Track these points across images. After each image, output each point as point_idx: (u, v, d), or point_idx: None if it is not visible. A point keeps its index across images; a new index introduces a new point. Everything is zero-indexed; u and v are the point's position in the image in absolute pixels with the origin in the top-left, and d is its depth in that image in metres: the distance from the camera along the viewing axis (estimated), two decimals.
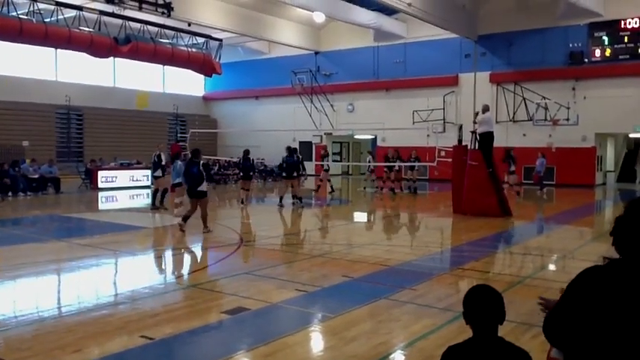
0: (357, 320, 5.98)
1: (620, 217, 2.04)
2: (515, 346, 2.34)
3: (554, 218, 16.45)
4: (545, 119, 26.40)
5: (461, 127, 16.68)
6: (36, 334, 5.58)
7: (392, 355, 5.10)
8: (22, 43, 20.64)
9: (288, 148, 18.34)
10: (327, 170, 23.10)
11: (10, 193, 20.29)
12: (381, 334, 5.56)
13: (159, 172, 16.69)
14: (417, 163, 22.19)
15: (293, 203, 17.70)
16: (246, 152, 18.61)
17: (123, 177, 24.17)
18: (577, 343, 2.00)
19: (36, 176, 21.81)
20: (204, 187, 11.95)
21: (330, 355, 5.15)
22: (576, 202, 20.52)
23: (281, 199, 17.77)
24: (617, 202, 22.56)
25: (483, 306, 2.36)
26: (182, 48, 24.79)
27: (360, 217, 17.74)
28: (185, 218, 12.02)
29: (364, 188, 24.67)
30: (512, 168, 21.21)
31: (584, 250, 10.68)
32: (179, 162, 15.53)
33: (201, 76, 33.51)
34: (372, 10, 27.61)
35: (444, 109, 29.27)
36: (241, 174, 18.94)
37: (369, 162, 24.79)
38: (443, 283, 7.85)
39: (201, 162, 12.26)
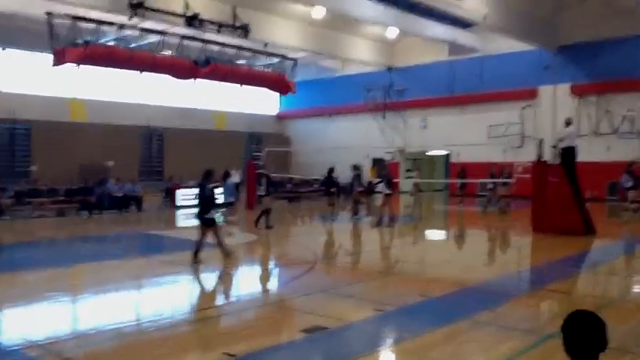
0: (437, 342, 5.88)
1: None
2: None
3: None
4: (632, 132, 25.10)
5: (541, 142, 16.10)
6: (117, 348, 5.81)
7: None
8: (110, 67, 21.82)
9: (381, 163, 18.38)
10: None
11: (95, 211, 21.37)
12: (463, 357, 5.44)
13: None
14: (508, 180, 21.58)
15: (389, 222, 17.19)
16: (330, 170, 18.91)
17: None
18: None
19: (120, 194, 22.89)
20: (212, 214, 10.76)
21: None
22: None
23: (381, 217, 17.11)
24: None
25: (584, 334, 2.27)
26: (258, 68, 25.43)
27: (433, 234, 17.45)
28: (195, 253, 10.41)
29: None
30: (630, 184, 20.15)
31: None
32: (229, 181, 15.90)
33: (276, 95, 34.21)
34: (446, 24, 27.32)
35: (521, 123, 28.43)
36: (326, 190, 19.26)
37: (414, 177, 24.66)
38: (524, 304, 7.59)
39: (212, 185, 11.12)
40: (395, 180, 19.23)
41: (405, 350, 5.82)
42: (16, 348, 5.66)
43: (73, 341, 6.00)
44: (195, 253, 10.31)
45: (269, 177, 17.53)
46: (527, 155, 21.76)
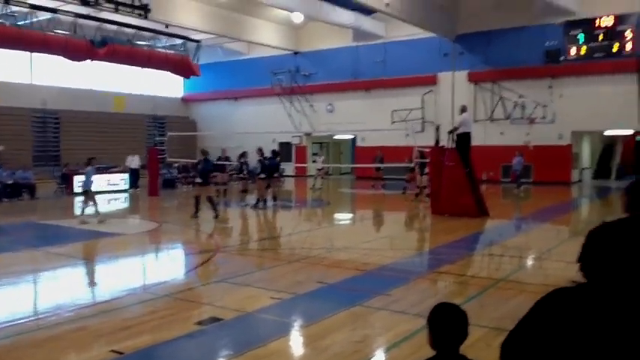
0: (330, 329, 5.97)
1: (587, 245, 2.03)
2: None
3: (531, 217, 16.60)
4: (523, 118, 26.65)
5: (438, 128, 16.72)
6: (7, 348, 5.48)
7: None
8: None
9: (273, 151, 18.49)
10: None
11: None
12: (355, 343, 5.55)
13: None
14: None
15: (274, 205, 17.91)
16: (242, 155, 19.51)
17: (100, 181, 23.85)
18: None
19: (10, 182, 21.47)
20: None
21: None
22: (553, 200, 20.75)
23: (258, 200, 17.87)
24: (594, 199, 22.89)
25: (447, 326, 2.36)
26: (159, 50, 24.63)
27: (339, 218, 17.76)
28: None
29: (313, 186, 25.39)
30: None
31: (560, 249, 10.74)
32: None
33: (181, 78, 33.26)
34: (351, 10, 27.63)
35: (422, 108, 29.40)
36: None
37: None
38: (418, 288, 7.87)
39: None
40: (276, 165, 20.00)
41: (300, 338, 5.87)
42: None
43: None
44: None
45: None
46: (428, 140, 22.51)
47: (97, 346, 5.45)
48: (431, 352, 2.40)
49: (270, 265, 9.59)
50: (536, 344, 1.99)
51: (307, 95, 33.10)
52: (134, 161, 25.27)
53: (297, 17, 29.03)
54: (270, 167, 18.05)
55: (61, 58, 22.73)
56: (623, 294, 1.86)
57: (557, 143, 26.24)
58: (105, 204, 20.94)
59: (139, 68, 30.23)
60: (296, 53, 33.55)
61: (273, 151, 18.66)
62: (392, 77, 30.00)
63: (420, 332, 5.63)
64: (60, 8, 21.23)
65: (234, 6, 28.10)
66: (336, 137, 34.57)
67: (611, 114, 24.56)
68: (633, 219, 3.58)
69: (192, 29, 26.67)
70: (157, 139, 28.23)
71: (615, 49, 24.72)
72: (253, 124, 32.50)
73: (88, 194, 14.72)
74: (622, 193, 2.95)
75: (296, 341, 5.84)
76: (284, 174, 30.68)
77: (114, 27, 22.79)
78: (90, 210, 14.62)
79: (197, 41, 26.04)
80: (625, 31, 24.46)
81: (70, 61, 23.21)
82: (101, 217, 14.42)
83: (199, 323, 6.19)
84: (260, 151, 18.64)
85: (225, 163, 22.61)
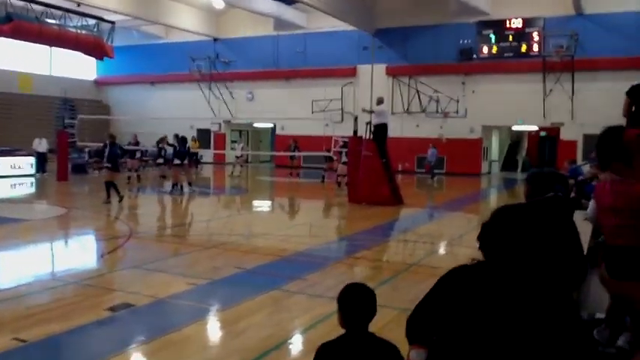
0: (246, 313, 5.95)
1: (486, 224, 2.13)
2: (386, 341, 2.42)
3: (443, 206, 17.23)
4: (437, 112, 27.59)
5: (356, 118, 17.00)
6: None
7: (280, 347, 5.12)
8: None
9: (182, 138, 18.30)
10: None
11: None
12: (270, 326, 5.57)
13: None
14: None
15: (191, 191, 17.69)
16: (160, 140, 19.22)
17: (3, 165, 22.51)
18: (440, 342, 2.08)
19: None
20: None
21: (218, 349, 5.10)
22: (464, 190, 21.64)
23: (174, 186, 17.69)
24: (501, 189, 24.06)
25: (356, 304, 2.41)
26: (70, 29, 23.40)
27: (257, 206, 17.70)
28: None
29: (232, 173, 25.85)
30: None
31: (470, 236, 11.20)
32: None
33: (94, 60, 31.80)
34: None
35: (342, 99, 29.74)
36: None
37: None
38: (334, 273, 7.98)
39: None
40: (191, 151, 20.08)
41: (214, 323, 5.82)
42: None
43: None
44: None
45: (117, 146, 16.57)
46: (346, 130, 22.81)
47: None
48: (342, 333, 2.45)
49: (186, 252, 9.41)
50: (438, 316, 2.09)
51: (227, 82, 32.63)
52: (41, 144, 23.97)
53: (218, 3, 28.51)
54: (180, 153, 17.84)
55: None
56: (516, 270, 1.99)
57: (469, 137, 27.38)
58: (8, 188, 19.81)
59: (49, 48, 28.66)
60: (216, 40, 32.96)
61: (183, 138, 18.39)
62: (312, 67, 30.12)
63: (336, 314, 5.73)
64: None
65: None
66: (255, 125, 34.34)
67: (519, 110, 25.90)
68: (529, 204, 3.80)
69: (106, 9, 25.55)
70: (67, 121, 26.87)
71: (524, 49, 26.04)
72: (170, 110, 31.69)
73: None
74: (524, 182, 3.13)
75: (211, 326, 5.78)
76: (202, 161, 30.22)
77: (21, 3, 21.44)
78: None
79: (111, 22, 24.95)
80: (532, 33, 25.81)
81: None
82: None
83: (111, 309, 5.98)
84: (176, 137, 18.44)
85: (135, 148, 22.02)
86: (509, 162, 32.12)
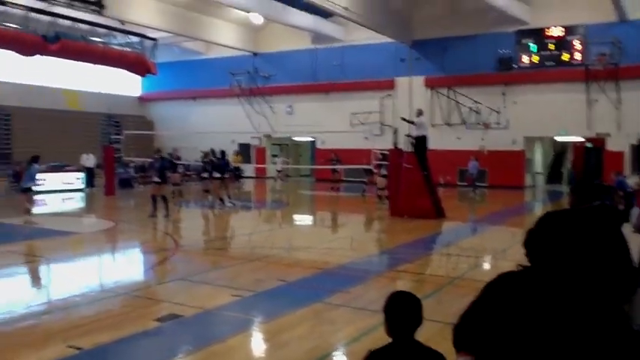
0: (290, 325, 6.00)
1: (532, 230, 2.14)
2: (432, 349, 2.43)
3: (486, 219, 17.00)
4: (477, 123, 27.29)
5: (396, 131, 16.97)
6: None
7: (324, 359, 5.15)
8: None
9: (221, 151, 18.66)
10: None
11: None
12: (314, 338, 5.61)
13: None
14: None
15: (231, 205, 17.89)
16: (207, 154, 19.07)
17: (53, 180, 23.27)
18: (487, 350, 2.08)
19: None
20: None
21: None
22: (507, 203, 21.30)
23: (215, 200, 17.89)
24: (546, 202, 23.58)
25: (402, 312, 2.43)
26: (115, 47, 24.12)
27: (298, 219, 17.80)
28: None
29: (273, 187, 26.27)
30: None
31: (514, 250, 11.01)
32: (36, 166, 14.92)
33: (138, 77, 32.66)
34: (310, 13, 27.73)
35: (380, 112, 29.73)
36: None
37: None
38: (377, 286, 7.98)
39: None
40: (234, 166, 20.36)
41: (259, 334, 5.89)
42: None
43: None
44: None
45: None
46: (386, 143, 22.79)
47: (52, 343, 5.34)
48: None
49: (229, 264, 9.55)
50: (485, 324, 2.09)
51: (266, 97, 33.01)
52: (89, 160, 24.72)
53: (256, 18, 28.96)
54: (220, 167, 18.09)
55: (11, 52, 22.02)
56: (564, 277, 1.98)
57: (511, 148, 26.94)
58: (59, 203, 20.46)
59: (95, 66, 29.59)
60: (255, 54, 33.43)
61: (222, 151, 18.66)
62: (350, 80, 30.22)
63: (381, 327, 5.71)
64: (10, 1, 20.58)
65: (192, 5, 27.83)
66: (295, 139, 34.60)
67: (561, 121, 25.39)
68: (576, 210, 3.75)
69: (149, 27, 26.25)
70: (113, 137, 27.62)
71: (565, 58, 25.56)
72: (212, 125, 32.18)
73: (28, 192, 14.25)
74: (568, 193, 3.12)
75: (256, 337, 5.86)
76: (243, 175, 30.59)
77: (68, 22, 22.22)
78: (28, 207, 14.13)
79: (153, 39, 25.61)
80: (574, 41, 25.35)
81: (22, 57, 22.52)
82: (29, 219, 13.97)
83: (158, 320, 6.13)
84: (212, 151, 18.76)
85: (178, 162, 22.46)
86: (553, 174, 31.39)
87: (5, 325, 6.05)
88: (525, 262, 2.13)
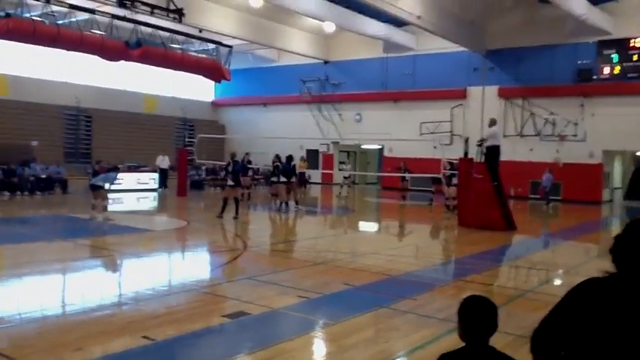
0: (356, 328, 6.01)
1: (619, 236, 2.08)
2: (507, 356, 2.38)
3: (559, 234, 16.40)
4: (553, 135, 26.39)
5: (467, 140, 16.67)
6: (39, 331, 5.65)
7: None
8: (34, 44, 20.82)
9: (288, 156, 18.96)
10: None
11: (17, 192, 20.44)
12: (380, 343, 5.59)
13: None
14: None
15: (297, 209, 18.10)
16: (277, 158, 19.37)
17: (129, 179, 24.29)
18: (568, 357, 2.03)
19: (44, 176, 21.97)
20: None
21: None
22: (582, 218, 20.46)
23: (281, 204, 18.20)
24: (624, 219, 22.48)
25: (477, 317, 2.39)
26: (192, 53, 24.94)
27: (364, 226, 17.77)
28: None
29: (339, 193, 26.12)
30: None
31: (587, 266, 10.59)
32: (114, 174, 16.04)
33: (212, 82, 33.66)
34: (382, 21, 27.72)
35: (451, 121, 29.29)
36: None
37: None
38: (444, 294, 7.86)
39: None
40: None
41: (325, 336, 5.91)
42: None
43: None
44: None
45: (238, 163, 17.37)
46: (455, 153, 22.40)
47: (128, 333, 5.58)
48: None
49: (296, 266, 9.66)
50: (566, 331, 2.04)
51: (336, 104, 33.22)
52: (164, 161, 25.66)
53: (329, 27, 29.22)
54: (286, 172, 18.29)
55: (94, 57, 23.18)
56: None
57: (588, 161, 25.88)
58: (134, 202, 21.33)
59: (171, 71, 30.71)
60: (326, 62, 33.72)
61: (288, 156, 18.98)
62: (421, 89, 29.96)
63: (447, 335, 5.63)
64: (97, 9, 21.68)
65: (267, 14, 28.40)
66: (363, 146, 34.60)
67: None
68: None
69: (225, 35, 27.00)
70: (187, 140, 28.54)
71: None
72: (281, 130, 32.67)
73: (100, 190, 14.82)
74: None
75: (321, 338, 5.89)
76: (310, 181, 30.84)
77: (149, 29, 23.16)
78: (99, 205, 14.68)
79: (229, 46, 26.30)
80: None
81: (104, 62, 23.66)
82: (107, 215, 14.56)
83: (226, 316, 6.28)
84: (277, 157, 19.09)
85: (249, 166, 22.88)
86: (634, 190, 29.87)
87: (85, 314, 6.37)
88: (611, 268, 2.06)
